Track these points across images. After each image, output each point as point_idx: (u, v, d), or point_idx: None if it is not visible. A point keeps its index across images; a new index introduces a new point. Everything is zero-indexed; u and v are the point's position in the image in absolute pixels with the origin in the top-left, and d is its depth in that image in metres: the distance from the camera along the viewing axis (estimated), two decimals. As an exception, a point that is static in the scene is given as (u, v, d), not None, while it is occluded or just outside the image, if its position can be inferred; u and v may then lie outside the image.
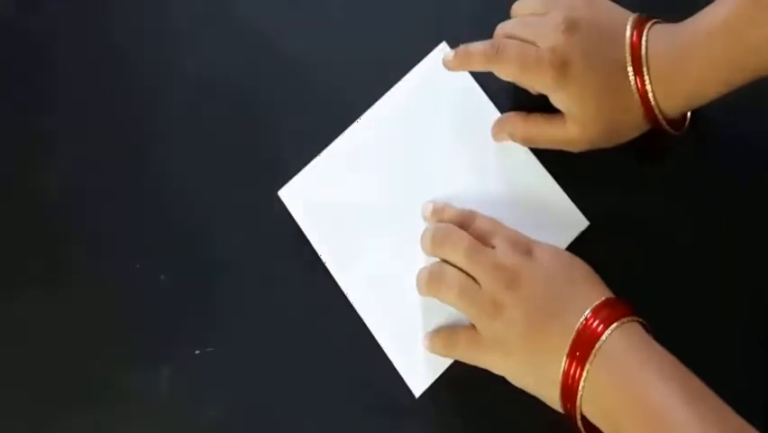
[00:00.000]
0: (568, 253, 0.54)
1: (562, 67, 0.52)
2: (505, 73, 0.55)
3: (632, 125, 0.54)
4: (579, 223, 0.57)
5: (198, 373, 0.58)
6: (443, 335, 0.55)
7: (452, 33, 0.60)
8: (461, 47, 0.57)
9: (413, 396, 0.56)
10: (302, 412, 0.57)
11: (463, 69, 0.59)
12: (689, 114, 0.56)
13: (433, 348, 0.55)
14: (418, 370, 0.56)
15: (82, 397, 0.58)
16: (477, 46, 0.56)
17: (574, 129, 0.54)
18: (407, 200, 0.58)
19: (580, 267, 0.52)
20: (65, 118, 0.64)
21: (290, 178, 0.60)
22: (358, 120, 0.60)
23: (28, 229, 0.62)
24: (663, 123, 0.53)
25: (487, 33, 0.57)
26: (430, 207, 0.57)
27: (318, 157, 0.60)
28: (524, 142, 0.58)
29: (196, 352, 0.58)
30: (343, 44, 0.63)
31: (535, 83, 0.54)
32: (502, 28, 0.57)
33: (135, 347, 0.59)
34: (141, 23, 0.66)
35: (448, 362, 0.55)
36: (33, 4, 0.67)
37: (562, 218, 0.57)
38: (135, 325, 0.59)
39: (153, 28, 0.66)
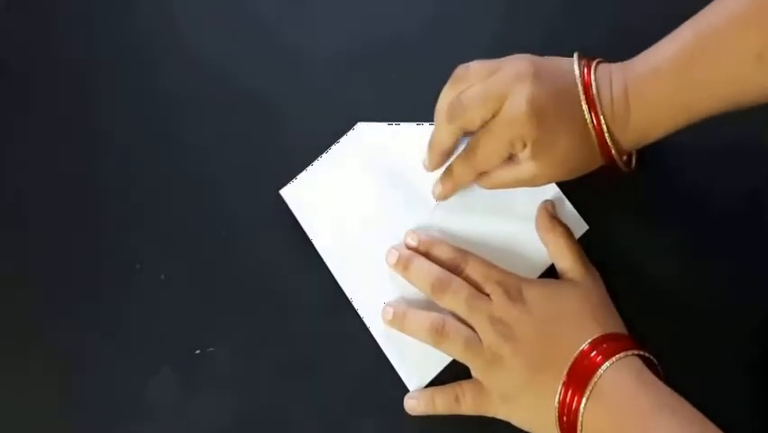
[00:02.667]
0: (557, 285, 0.54)
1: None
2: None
3: (588, 160, 0.53)
4: (579, 227, 0.57)
5: (198, 373, 0.58)
6: (448, 392, 0.54)
7: (453, 34, 0.60)
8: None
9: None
10: (301, 412, 0.57)
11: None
12: (633, 154, 0.55)
13: (436, 408, 0.54)
14: (415, 368, 0.56)
15: (82, 397, 0.58)
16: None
17: (529, 167, 0.52)
18: (408, 201, 0.59)
19: (571, 302, 0.53)
20: (66, 118, 0.64)
21: (291, 178, 0.60)
22: (361, 121, 0.60)
23: (27, 229, 0.62)
24: (618, 159, 0.52)
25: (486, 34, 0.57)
26: (416, 237, 0.57)
27: (322, 157, 0.60)
28: (480, 184, 0.56)
29: (197, 352, 0.58)
30: (347, 45, 0.63)
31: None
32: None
33: (135, 347, 0.59)
34: (140, 24, 0.66)
35: (445, 361, 0.55)
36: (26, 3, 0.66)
37: (562, 222, 0.58)
38: (135, 325, 0.59)
39: (154, 28, 0.66)
